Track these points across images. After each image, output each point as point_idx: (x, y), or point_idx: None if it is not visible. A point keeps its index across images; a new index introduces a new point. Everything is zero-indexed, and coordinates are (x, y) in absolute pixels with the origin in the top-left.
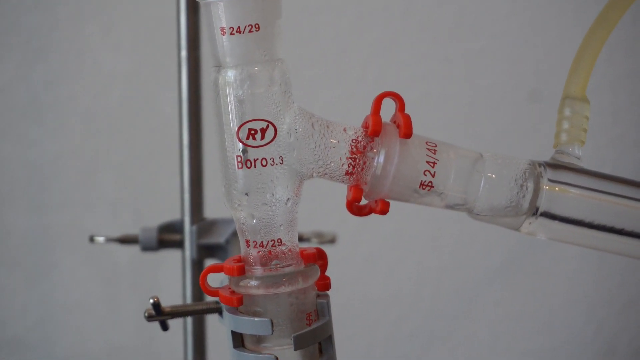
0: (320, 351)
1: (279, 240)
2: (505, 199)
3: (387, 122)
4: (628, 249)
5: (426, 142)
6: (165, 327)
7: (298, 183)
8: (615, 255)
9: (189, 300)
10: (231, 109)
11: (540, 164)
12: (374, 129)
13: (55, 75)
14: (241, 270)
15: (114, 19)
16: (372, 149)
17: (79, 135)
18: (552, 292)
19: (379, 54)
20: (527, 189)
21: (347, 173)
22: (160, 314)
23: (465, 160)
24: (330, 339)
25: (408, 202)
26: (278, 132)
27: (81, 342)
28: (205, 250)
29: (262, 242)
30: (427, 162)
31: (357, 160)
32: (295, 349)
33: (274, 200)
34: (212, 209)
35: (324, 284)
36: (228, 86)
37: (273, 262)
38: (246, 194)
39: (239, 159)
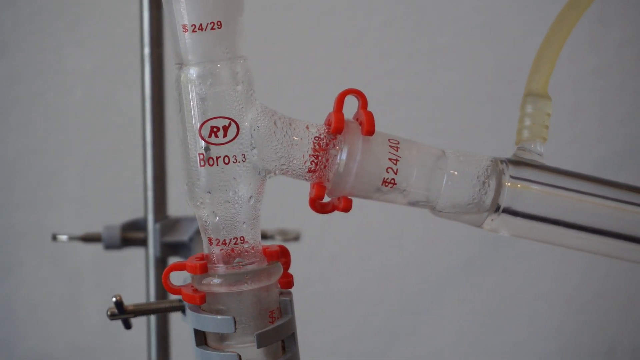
0: (284, 349)
1: (242, 238)
2: (467, 196)
3: (350, 120)
4: (590, 245)
5: (389, 140)
6: (128, 325)
7: (260, 180)
8: (578, 252)
9: (152, 299)
10: (193, 106)
11: (502, 161)
12: (336, 127)
13: (19, 72)
14: (204, 268)
15: (78, 16)
16: (334, 146)
17: (42, 133)
18: (515, 288)
19: (343, 51)
20: (489, 185)
21: (309, 170)
22: (123, 313)
23: (427, 157)
24: (293, 336)
25: (371, 199)
26: (240, 130)
27: (45, 340)
28: (169, 248)
29: (224, 239)
30: (390, 159)
31: (320, 158)
32: (258, 347)
33: (236, 198)
34: (176, 207)
35: (287, 282)
36: (190, 84)
37: (236, 260)
38: (209, 192)
39: (202, 156)
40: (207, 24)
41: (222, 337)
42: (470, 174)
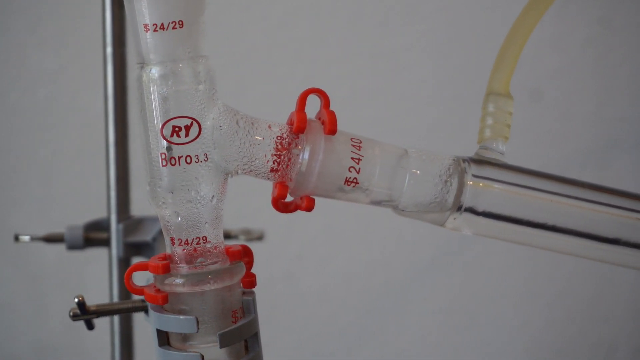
0: (247, 348)
1: (204, 238)
2: (429, 195)
3: (312, 119)
4: (554, 244)
5: (351, 139)
6: (90, 326)
7: (223, 180)
8: (542, 251)
9: (116, 299)
10: (155, 106)
11: (464, 160)
12: (298, 126)
13: None
14: (166, 268)
15: (40, 16)
16: (297, 145)
17: (5, 133)
18: (480, 287)
19: (307, 51)
20: (451, 184)
21: (272, 170)
22: (85, 313)
23: (390, 157)
24: (256, 336)
25: (333, 198)
26: (202, 129)
27: (8, 341)
28: (132, 249)
29: (187, 239)
30: (352, 158)
31: (282, 157)
32: (220, 347)
33: (198, 198)
34: (139, 207)
35: (250, 281)
36: (152, 83)
37: (198, 260)
38: (171, 192)
39: (163, 156)
40: (169, 23)
41: (184, 337)
42: (432, 173)
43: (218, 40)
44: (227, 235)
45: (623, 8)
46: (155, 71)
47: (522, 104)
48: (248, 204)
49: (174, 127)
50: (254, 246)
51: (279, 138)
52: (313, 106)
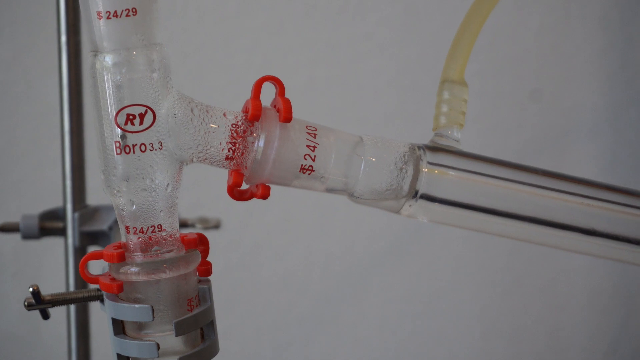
0: (202, 337)
1: (159, 226)
2: (385, 182)
3: (268, 107)
4: (510, 231)
5: (306, 126)
6: (45, 315)
7: (178, 168)
8: (499, 238)
9: (72, 288)
10: (109, 94)
11: (419, 147)
12: (253, 114)
13: None
14: (121, 257)
15: None
16: (252, 133)
17: None
18: (438, 274)
19: (265, 39)
20: (406, 172)
21: (227, 158)
22: (40, 303)
23: (345, 144)
24: (212, 324)
25: (289, 186)
26: (157, 117)
27: None
28: (88, 238)
29: (142, 228)
30: (308, 146)
31: (237, 145)
32: (176, 335)
33: (153, 186)
34: (95, 196)
35: (206, 270)
36: (105, 71)
37: (153, 248)
38: (125, 180)
39: (118, 144)
40: (122, 10)
41: (140, 326)
42: (387, 160)
43: (174, 29)
44: (184, 224)
45: None
46: (108, 59)
47: (478, 93)
48: (206, 192)
49: (128, 115)
50: (211, 235)
51: (234, 126)
52: (271, 95)
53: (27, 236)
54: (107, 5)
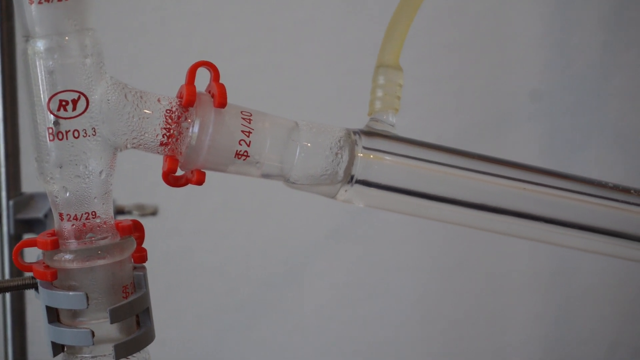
0: (138, 324)
1: (94, 213)
2: (320, 168)
3: (202, 92)
4: (446, 215)
5: (241, 112)
6: None
7: (112, 154)
8: (438, 222)
9: (7, 276)
10: (41, 80)
11: (355, 132)
12: (188, 99)
13: None
14: (55, 244)
15: None
16: (186, 119)
17: None
18: (377, 259)
19: (203, 25)
20: (342, 157)
21: (161, 144)
22: None
23: (280, 129)
24: (147, 311)
25: (225, 172)
26: (90, 103)
27: None
28: (24, 225)
29: (75, 215)
30: (243, 131)
31: (172, 131)
32: (111, 322)
33: (87, 173)
34: (30, 184)
35: (141, 256)
36: (37, 57)
37: (88, 235)
38: (59, 167)
39: (51, 131)
40: None
41: (74, 314)
42: (323, 146)
43: (110, 15)
44: (121, 211)
45: None
46: (40, 44)
47: (416, 78)
48: (145, 180)
49: (60, 101)
50: (149, 222)
51: (168, 111)
52: (207, 81)
53: None
54: None
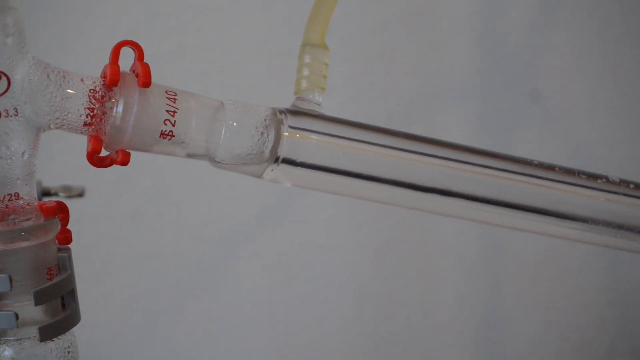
0: (63, 306)
1: (16, 194)
2: (246, 147)
3: (126, 72)
4: (373, 194)
5: (166, 91)
6: None
7: (34, 135)
8: (368, 202)
9: None
10: None
11: (281, 111)
12: (111, 79)
13: None
14: None
15: None
16: (110, 99)
17: None
18: (308, 239)
19: (131, 5)
20: (267, 136)
21: (85, 124)
22: None
23: (206, 109)
24: (72, 293)
25: (150, 152)
26: (12, 83)
27: None
28: None
29: None
30: (167, 111)
31: (96, 111)
32: (35, 304)
33: (9, 154)
34: None
35: (65, 238)
36: None
37: (10, 217)
38: None
39: None
40: None
41: None
42: (248, 125)
43: None
44: (47, 193)
45: None
46: None
47: (346, 58)
48: (72, 161)
49: None
50: (79, 204)
51: (92, 91)
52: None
53: None
54: None
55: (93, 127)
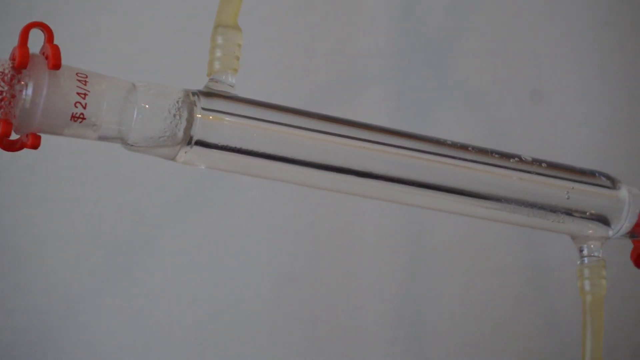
0: None
1: None
2: (159, 129)
3: (36, 54)
4: (290, 176)
5: (77, 73)
6: None
7: None
8: (289, 184)
9: None
10: None
11: (194, 93)
12: (20, 61)
13: None
14: None
15: None
16: (19, 81)
17: None
18: (232, 222)
19: None
20: (180, 118)
21: None
22: None
23: (117, 91)
24: None
25: (61, 135)
26: None
27: None
28: None
29: None
30: (78, 93)
31: (4, 94)
32: None
33: None
34: None
35: None
36: None
37: None
38: None
39: None
40: None
41: None
42: (161, 107)
43: None
44: None
45: None
46: None
47: (265, 39)
48: None
49: None
50: None
51: (0, 74)
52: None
53: None
54: None
55: (2, 110)
